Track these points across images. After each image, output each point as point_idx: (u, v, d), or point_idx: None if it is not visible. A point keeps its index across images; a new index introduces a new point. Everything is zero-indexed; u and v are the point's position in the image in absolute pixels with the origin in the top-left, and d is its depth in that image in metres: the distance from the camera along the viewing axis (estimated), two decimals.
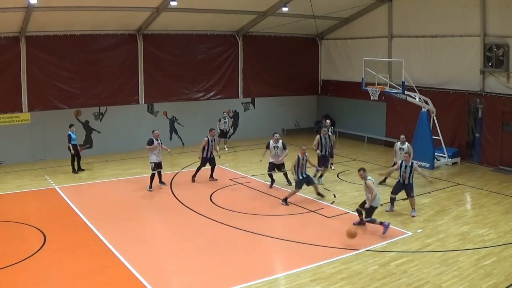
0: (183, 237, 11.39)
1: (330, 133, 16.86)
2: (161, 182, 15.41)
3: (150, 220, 12.67)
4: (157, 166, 15.04)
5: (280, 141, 15.18)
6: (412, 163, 12.59)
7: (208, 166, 16.10)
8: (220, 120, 21.01)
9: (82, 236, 11.27)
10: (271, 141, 15.24)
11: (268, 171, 15.35)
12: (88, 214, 12.66)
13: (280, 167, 15.34)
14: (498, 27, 17.44)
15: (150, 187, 14.90)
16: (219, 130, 20.77)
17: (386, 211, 12.77)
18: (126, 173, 17.34)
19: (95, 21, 18.71)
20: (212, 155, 16.01)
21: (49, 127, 19.05)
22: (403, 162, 12.64)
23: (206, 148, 15.76)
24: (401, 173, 12.62)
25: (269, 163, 15.34)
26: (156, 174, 15.14)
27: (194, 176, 16.06)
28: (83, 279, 9.04)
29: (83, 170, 17.52)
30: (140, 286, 8.82)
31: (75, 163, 17.33)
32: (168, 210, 13.32)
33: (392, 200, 12.95)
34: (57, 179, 16.34)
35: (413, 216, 12.42)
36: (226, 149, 20.99)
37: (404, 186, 12.65)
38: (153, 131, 15.23)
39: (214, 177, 16.19)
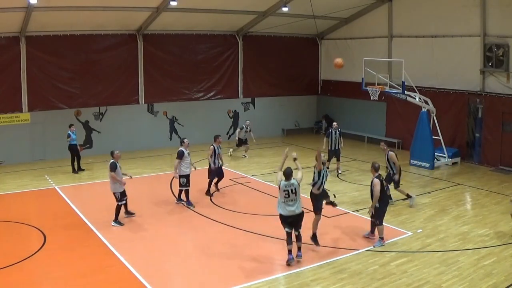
0: (183, 237, 11.39)
1: (337, 135, 16.76)
2: (128, 212, 12.56)
3: (150, 220, 12.65)
4: (124, 195, 12.16)
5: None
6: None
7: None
8: (242, 128, 19.72)
9: (82, 236, 11.27)
10: (183, 149, 13.13)
11: (184, 186, 13.27)
12: (88, 214, 12.66)
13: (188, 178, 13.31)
14: (498, 27, 17.44)
15: (116, 220, 12.01)
16: (237, 139, 19.92)
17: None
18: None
19: (95, 21, 18.70)
20: (220, 165, 14.61)
21: (49, 127, 19.05)
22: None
23: (213, 157, 14.18)
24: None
25: (184, 176, 13.12)
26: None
27: (208, 192, 14.41)
28: (83, 279, 9.04)
29: (83, 170, 17.52)
30: (140, 286, 8.82)
31: (75, 163, 17.34)
32: (168, 210, 13.31)
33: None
34: (57, 179, 16.34)
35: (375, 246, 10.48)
36: (247, 156, 19.80)
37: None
38: (112, 153, 12.11)
39: (219, 188, 14.90)
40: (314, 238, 10.56)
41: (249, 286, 8.82)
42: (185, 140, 13.50)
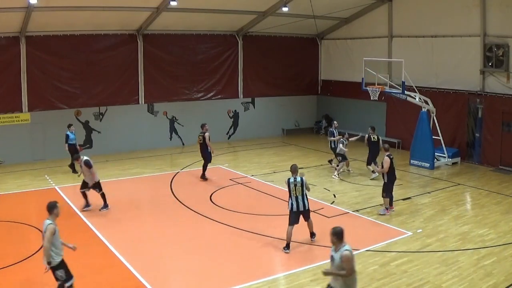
0: (183, 237, 11.39)
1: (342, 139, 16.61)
2: None
3: (150, 220, 12.66)
4: None
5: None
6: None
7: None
8: (343, 143, 16.54)
9: (82, 236, 11.26)
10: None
11: (100, 191, 13.33)
12: (88, 214, 12.67)
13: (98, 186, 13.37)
14: (498, 27, 17.44)
15: None
16: (340, 157, 16.63)
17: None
18: (126, 173, 17.32)
19: (95, 21, 18.70)
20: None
21: (49, 127, 19.04)
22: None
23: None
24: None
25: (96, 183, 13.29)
26: None
27: (203, 176, 16.11)
28: (83, 279, 9.02)
29: None
30: (140, 286, 8.83)
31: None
32: (168, 210, 13.31)
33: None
34: (57, 179, 16.34)
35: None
36: (351, 171, 17.26)
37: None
38: None
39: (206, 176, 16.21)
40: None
41: (249, 286, 8.83)
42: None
